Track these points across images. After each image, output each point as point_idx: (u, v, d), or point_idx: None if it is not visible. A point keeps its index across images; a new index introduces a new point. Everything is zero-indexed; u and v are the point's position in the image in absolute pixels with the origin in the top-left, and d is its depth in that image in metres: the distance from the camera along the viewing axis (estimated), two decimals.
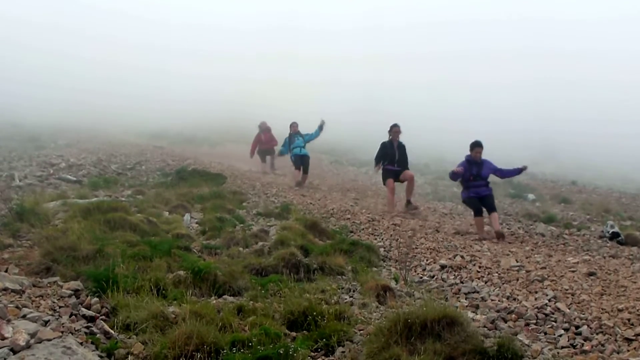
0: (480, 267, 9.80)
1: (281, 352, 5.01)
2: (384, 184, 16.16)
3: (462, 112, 50.24)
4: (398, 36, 79.60)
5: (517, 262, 10.07)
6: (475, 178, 13.24)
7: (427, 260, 10.26)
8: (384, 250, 10.89)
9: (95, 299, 6.17)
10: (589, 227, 14.66)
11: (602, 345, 6.41)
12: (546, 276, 9.15)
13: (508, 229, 13.96)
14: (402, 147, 16.01)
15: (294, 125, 20.35)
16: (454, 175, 13.26)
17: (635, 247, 12.46)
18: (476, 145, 13.33)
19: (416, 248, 11.00)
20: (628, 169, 33.57)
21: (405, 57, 68.07)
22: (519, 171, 13.43)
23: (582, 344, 6.47)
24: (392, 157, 15.81)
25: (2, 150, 21.67)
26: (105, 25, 65.27)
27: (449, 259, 10.27)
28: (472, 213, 13.45)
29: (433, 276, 9.43)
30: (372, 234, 12.29)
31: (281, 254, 8.81)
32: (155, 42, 64.19)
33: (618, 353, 6.17)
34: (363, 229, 12.79)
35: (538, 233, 13.47)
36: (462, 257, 10.37)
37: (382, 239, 11.80)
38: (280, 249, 9.14)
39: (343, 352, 5.75)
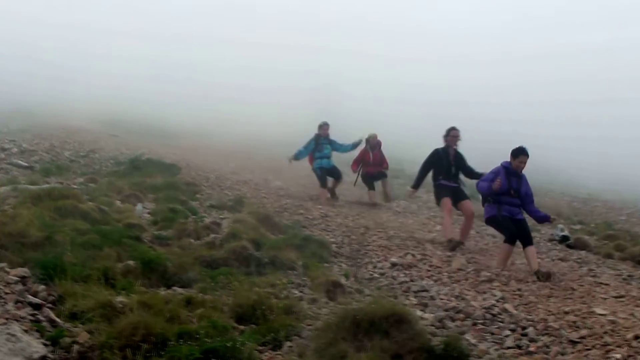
0: (430, 266, 9.93)
1: (228, 345, 5.00)
2: (438, 204, 12.87)
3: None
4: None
5: (468, 262, 10.20)
6: (515, 194, 10.50)
7: (378, 258, 10.36)
8: (336, 247, 10.96)
9: (43, 286, 6.09)
10: (539, 229, 14.85)
11: (548, 347, 6.54)
12: (495, 277, 9.29)
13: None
14: (459, 158, 12.65)
15: (324, 127, 17.09)
16: (488, 190, 10.49)
17: (584, 251, 12.76)
18: (521, 153, 10.44)
19: (368, 245, 11.08)
20: (580, 174, 33.99)
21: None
22: (546, 218, 10.85)
23: (528, 345, 6.60)
24: (447, 171, 12.43)
25: None
26: (65, 10, 63.70)
27: (400, 257, 10.37)
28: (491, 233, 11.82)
29: (383, 273, 9.52)
30: (325, 230, 12.36)
31: (232, 246, 8.79)
32: (119, 26, 62.77)
33: (563, 355, 6.29)
34: (316, 224, 12.85)
35: (489, 234, 13.62)
36: (413, 255, 10.49)
37: (335, 235, 11.88)
38: (231, 242, 9.11)
39: (290, 346, 5.77)
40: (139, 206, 12.17)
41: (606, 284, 9.58)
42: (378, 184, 17.14)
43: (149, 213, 11.85)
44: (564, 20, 77.71)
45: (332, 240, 11.41)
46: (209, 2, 75.88)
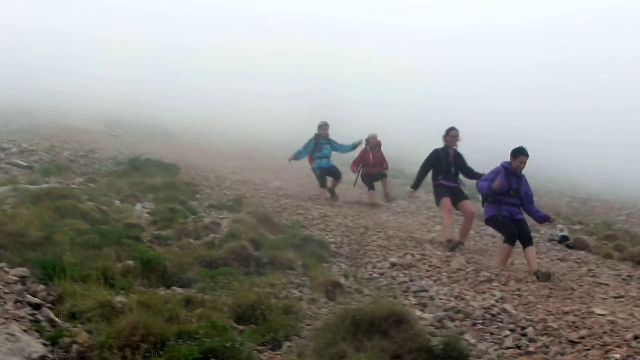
0: (430, 266, 9.92)
1: (227, 345, 4.99)
2: (437, 205, 12.69)
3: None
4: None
5: (467, 262, 10.19)
6: (514, 194, 10.42)
7: (377, 258, 10.33)
8: (335, 246, 10.93)
9: (42, 286, 6.09)
10: (538, 229, 14.85)
11: (547, 347, 6.53)
12: (494, 277, 9.29)
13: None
14: (459, 158, 12.46)
15: (323, 127, 16.96)
16: (488, 190, 10.41)
17: (583, 251, 12.78)
18: (521, 153, 10.33)
19: (367, 245, 11.07)
20: (578, 174, 34.01)
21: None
22: (546, 218, 10.77)
23: (527, 345, 6.59)
24: (447, 170, 12.22)
25: None
26: (65, 18, 63.21)
27: (400, 257, 10.35)
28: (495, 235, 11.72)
29: (383, 273, 9.49)
30: (324, 230, 12.35)
31: (232, 246, 8.77)
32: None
33: (562, 355, 6.28)
34: (315, 224, 12.84)
35: (488, 234, 13.62)
36: (412, 255, 10.47)
37: (334, 235, 11.87)
38: (231, 242, 9.10)
39: (290, 346, 5.77)
40: (138, 206, 12.16)
41: (605, 284, 9.59)
42: (378, 184, 17.08)
43: (148, 213, 11.84)
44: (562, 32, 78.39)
45: (331, 240, 11.38)
46: (207, 12, 76.25)
